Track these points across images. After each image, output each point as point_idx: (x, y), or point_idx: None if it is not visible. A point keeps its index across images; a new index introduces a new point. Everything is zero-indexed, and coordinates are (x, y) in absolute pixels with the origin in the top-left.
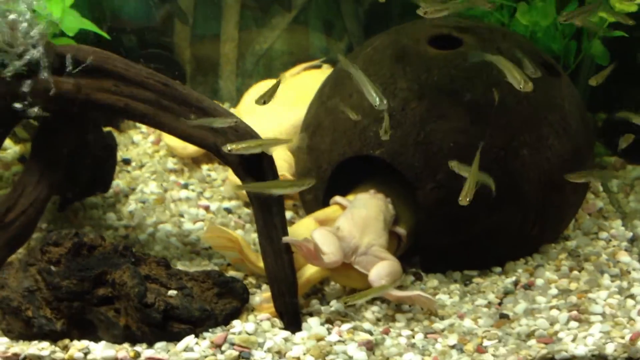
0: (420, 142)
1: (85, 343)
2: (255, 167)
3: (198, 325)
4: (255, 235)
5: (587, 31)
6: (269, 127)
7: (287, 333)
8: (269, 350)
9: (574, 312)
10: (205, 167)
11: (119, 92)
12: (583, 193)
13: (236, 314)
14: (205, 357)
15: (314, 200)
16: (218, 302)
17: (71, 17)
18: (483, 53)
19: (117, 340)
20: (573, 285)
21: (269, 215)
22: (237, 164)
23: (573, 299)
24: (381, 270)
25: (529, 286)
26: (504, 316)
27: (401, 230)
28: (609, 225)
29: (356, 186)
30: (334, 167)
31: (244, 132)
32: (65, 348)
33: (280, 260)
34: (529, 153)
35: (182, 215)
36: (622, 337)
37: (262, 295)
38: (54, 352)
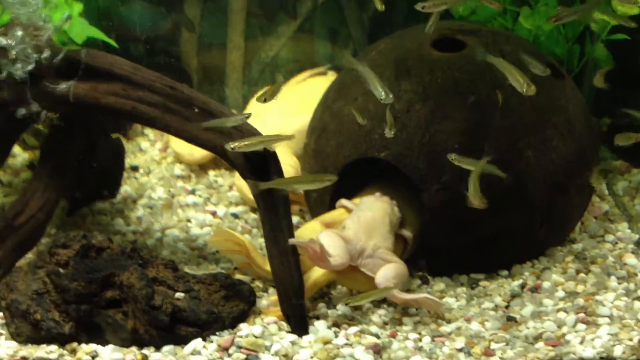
0: (424, 143)
1: (93, 347)
2: (261, 169)
3: (205, 328)
4: (262, 240)
5: (590, 35)
6: (274, 133)
7: (294, 336)
8: (276, 353)
9: (582, 315)
10: (212, 173)
11: (126, 96)
12: (588, 195)
13: (243, 317)
14: None
15: (320, 204)
16: (225, 304)
17: (79, 24)
18: (487, 53)
19: (124, 343)
20: (580, 288)
21: (275, 217)
22: (243, 167)
23: (580, 301)
24: (387, 272)
25: (535, 289)
26: (511, 319)
27: (407, 232)
28: (615, 228)
29: (362, 189)
30: (340, 170)
31: (249, 134)
32: (73, 351)
33: (287, 262)
34: (534, 154)
35: (189, 221)
36: (630, 339)
37: (269, 299)
38: (62, 355)
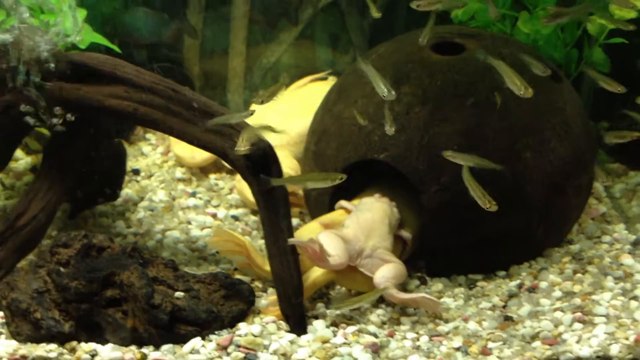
0: (424, 145)
1: (92, 345)
2: (263, 171)
3: (204, 327)
4: (261, 242)
5: (588, 39)
6: (276, 136)
7: (292, 335)
8: (274, 352)
9: (578, 314)
10: (212, 176)
11: (129, 98)
12: (585, 196)
13: (242, 316)
14: (211, 359)
15: (320, 206)
16: (224, 304)
17: (83, 30)
18: (487, 55)
19: (124, 342)
20: (577, 288)
21: (275, 218)
22: (244, 168)
23: (577, 301)
24: (386, 272)
25: (533, 289)
26: (508, 318)
27: (406, 233)
28: (612, 229)
29: (362, 191)
30: (340, 171)
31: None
32: (73, 350)
33: (286, 262)
34: (532, 156)
35: (189, 223)
36: (627, 338)
37: (268, 298)
38: (61, 354)
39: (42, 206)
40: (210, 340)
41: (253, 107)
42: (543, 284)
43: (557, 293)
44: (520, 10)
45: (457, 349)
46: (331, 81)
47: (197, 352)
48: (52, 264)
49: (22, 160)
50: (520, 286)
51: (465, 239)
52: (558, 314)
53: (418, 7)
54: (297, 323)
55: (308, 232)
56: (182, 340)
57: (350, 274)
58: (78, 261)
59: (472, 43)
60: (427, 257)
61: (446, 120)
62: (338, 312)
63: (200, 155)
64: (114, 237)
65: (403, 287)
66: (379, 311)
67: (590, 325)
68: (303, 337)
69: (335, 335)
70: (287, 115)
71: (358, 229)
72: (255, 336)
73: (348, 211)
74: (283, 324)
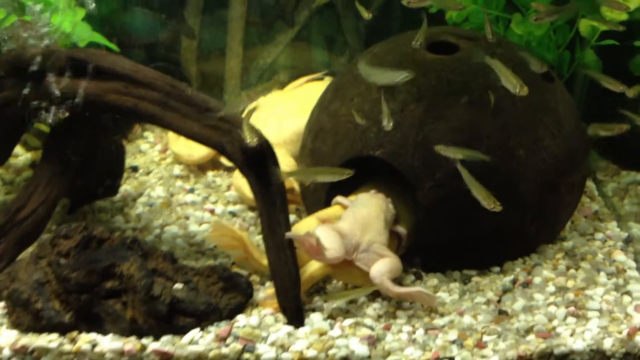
0: (419, 142)
1: (92, 336)
2: (259, 165)
3: (203, 318)
4: (259, 237)
5: (580, 41)
6: (272, 135)
7: (290, 328)
8: (272, 344)
9: (572, 308)
10: (210, 173)
11: (128, 93)
12: (578, 194)
13: (240, 308)
14: (210, 350)
15: (317, 202)
16: (223, 296)
17: (83, 29)
18: (484, 54)
19: (123, 333)
20: (570, 283)
21: (273, 211)
22: (242, 162)
23: (570, 295)
24: (382, 266)
25: (527, 284)
26: (502, 312)
27: (401, 229)
28: (605, 227)
29: (358, 187)
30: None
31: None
32: (73, 341)
33: (284, 255)
34: (525, 154)
35: (187, 218)
36: (620, 332)
37: (265, 292)
38: (62, 344)
39: (42, 200)
40: (209, 332)
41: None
42: (537, 280)
43: (551, 288)
44: (513, 12)
45: (453, 342)
46: (327, 82)
47: (196, 343)
48: (52, 255)
49: (21, 156)
50: (514, 281)
51: (460, 235)
52: (552, 309)
53: (409, 4)
54: (295, 316)
55: (305, 227)
56: (181, 331)
57: (346, 268)
58: (78, 252)
59: (466, 43)
60: (422, 253)
61: (440, 118)
62: (333, 305)
63: (197, 153)
64: (113, 232)
65: (399, 282)
66: (375, 305)
67: (584, 320)
68: (300, 329)
69: (332, 328)
70: (284, 115)
71: (354, 223)
72: (253, 328)
73: (344, 207)
74: (281, 316)
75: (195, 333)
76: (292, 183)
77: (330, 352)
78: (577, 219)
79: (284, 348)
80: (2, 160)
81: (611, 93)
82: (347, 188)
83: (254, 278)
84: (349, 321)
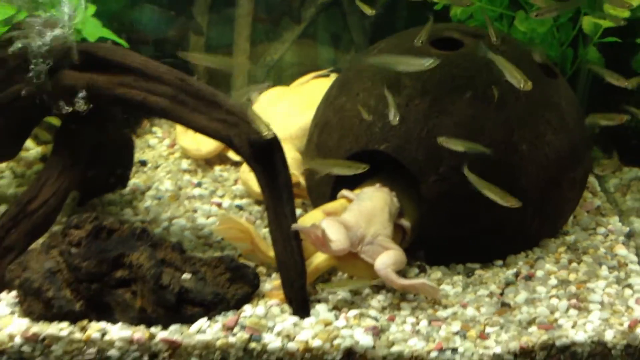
0: (423, 136)
1: (102, 325)
2: (266, 159)
3: (211, 308)
4: (265, 231)
5: (583, 38)
6: (279, 130)
7: (296, 318)
8: (278, 333)
9: (574, 301)
10: (217, 167)
11: (138, 87)
12: (580, 189)
13: (247, 299)
14: (217, 339)
15: (322, 195)
16: (230, 287)
17: (93, 25)
18: (488, 50)
19: (132, 322)
20: (572, 277)
21: (279, 204)
22: (249, 155)
23: (572, 288)
24: (386, 259)
25: (529, 277)
26: (505, 305)
27: (406, 222)
28: (607, 222)
29: (363, 181)
30: None
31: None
32: (83, 329)
33: (290, 247)
34: (528, 148)
35: (195, 211)
36: (621, 324)
37: (272, 283)
38: (72, 332)
39: (53, 191)
40: (217, 321)
41: (256, 106)
42: (539, 273)
43: (553, 281)
44: (517, 10)
45: (456, 333)
46: (332, 78)
47: (204, 332)
48: (64, 245)
49: (32, 150)
50: (517, 274)
51: (463, 228)
52: (554, 301)
53: None
54: (300, 306)
55: (311, 219)
56: (189, 320)
57: (351, 260)
58: (89, 242)
59: (470, 40)
60: (426, 246)
61: (445, 112)
62: (338, 296)
63: (205, 148)
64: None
65: (403, 275)
66: (380, 297)
67: (586, 312)
68: (306, 319)
69: (337, 319)
70: (290, 110)
71: (359, 216)
72: (260, 318)
73: (350, 200)
74: (287, 307)
75: (202, 322)
76: (298, 177)
77: (335, 342)
78: (580, 214)
79: (289, 338)
80: (14, 153)
81: (614, 90)
82: (352, 182)
83: (261, 269)
84: (353, 312)
